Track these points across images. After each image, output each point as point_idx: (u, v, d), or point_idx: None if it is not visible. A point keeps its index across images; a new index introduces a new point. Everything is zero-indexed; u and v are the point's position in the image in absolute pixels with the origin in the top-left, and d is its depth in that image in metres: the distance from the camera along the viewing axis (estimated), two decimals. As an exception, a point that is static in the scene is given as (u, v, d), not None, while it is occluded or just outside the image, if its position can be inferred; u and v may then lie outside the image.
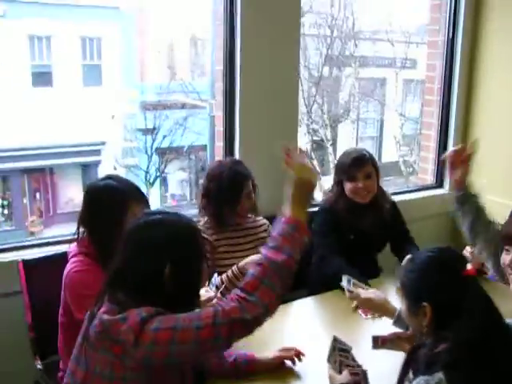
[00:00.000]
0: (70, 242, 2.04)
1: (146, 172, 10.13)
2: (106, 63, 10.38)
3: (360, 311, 2.17)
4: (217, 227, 2.52)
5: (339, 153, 9.96)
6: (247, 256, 2.53)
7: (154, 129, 10.04)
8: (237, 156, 2.99)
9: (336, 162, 2.84)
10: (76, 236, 1.97)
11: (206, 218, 2.56)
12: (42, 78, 9.71)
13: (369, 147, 11.50)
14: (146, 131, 10.07)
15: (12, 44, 9.12)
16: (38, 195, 10.17)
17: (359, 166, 2.66)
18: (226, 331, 1.35)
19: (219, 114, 3.06)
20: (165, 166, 10.51)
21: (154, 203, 9.07)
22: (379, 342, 1.78)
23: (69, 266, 1.92)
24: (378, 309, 1.96)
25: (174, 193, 11.23)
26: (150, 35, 10.70)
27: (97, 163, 10.36)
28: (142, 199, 1.97)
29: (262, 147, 3.02)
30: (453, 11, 3.61)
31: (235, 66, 2.91)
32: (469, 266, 1.40)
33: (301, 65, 9.67)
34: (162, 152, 10.33)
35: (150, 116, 10.00)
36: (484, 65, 3.63)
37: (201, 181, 3.27)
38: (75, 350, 1.49)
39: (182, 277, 1.45)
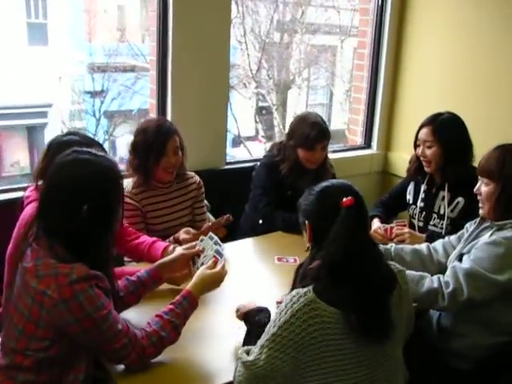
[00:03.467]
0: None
1: (94, 135, 10.00)
2: (52, 22, 10.11)
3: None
4: (144, 185, 2.57)
5: (288, 119, 10.13)
6: (179, 218, 2.66)
7: (103, 91, 9.91)
8: (169, 113, 3.09)
9: (292, 126, 2.88)
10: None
11: (134, 179, 2.59)
12: (-15, 36, 9.41)
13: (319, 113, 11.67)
14: (94, 94, 9.94)
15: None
16: (-18, 157, 9.97)
17: (321, 139, 2.78)
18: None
19: (153, 72, 3.15)
20: (113, 130, 10.41)
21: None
22: None
23: (30, 209, 2.03)
24: None
25: (122, 156, 11.16)
26: (98, -5, 10.45)
27: (43, 126, 10.18)
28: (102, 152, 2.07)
29: (193, 105, 3.13)
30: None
31: (168, 25, 2.99)
32: (346, 198, 1.54)
33: (250, 30, 9.63)
34: (110, 115, 10.23)
35: (98, 78, 9.86)
36: (411, 30, 3.80)
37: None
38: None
39: (99, 217, 1.56)
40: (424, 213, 2.71)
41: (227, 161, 3.42)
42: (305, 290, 1.48)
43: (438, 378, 2.04)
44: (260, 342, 1.51)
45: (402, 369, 1.63)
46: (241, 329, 1.85)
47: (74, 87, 10.13)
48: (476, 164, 2.22)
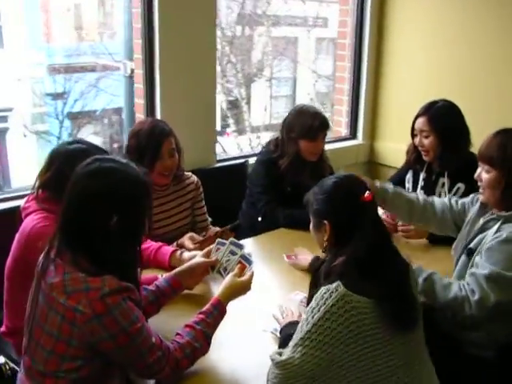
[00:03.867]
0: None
1: (58, 138, 9.75)
2: (7, 24, 9.78)
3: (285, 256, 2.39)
4: None
5: (253, 112, 10.10)
6: (178, 221, 2.60)
7: (64, 93, 9.67)
8: (158, 112, 3.02)
9: (290, 120, 2.85)
10: (33, 193, 2.01)
11: None
12: None
13: (282, 106, 11.69)
14: (55, 96, 9.67)
15: None
16: None
17: (323, 129, 2.79)
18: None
19: (139, 71, 3.07)
20: (77, 131, 10.17)
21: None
22: None
23: (30, 222, 1.93)
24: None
25: (90, 159, 10.93)
26: (54, -6, 10.16)
27: (4, 131, 9.85)
28: None
29: (183, 103, 3.07)
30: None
31: (154, 23, 2.91)
32: (367, 193, 1.57)
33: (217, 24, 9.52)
34: (74, 117, 9.97)
35: (59, 79, 9.60)
36: (393, 19, 3.82)
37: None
38: (30, 297, 1.53)
39: (129, 227, 1.50)
40: None
41: (217, 158, 3.38)
42: (334, 285, 1.48)
43: (460, 366, 2.03)
44: (293, 341, 1.49)
45: (427, 352, 1.64)
46: (266, 332, 1.85)
47: (34, 90, 9.83)
48: (475, 150, 2.26)
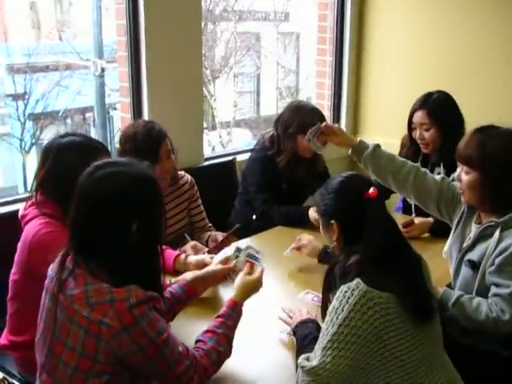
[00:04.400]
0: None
1: (21, 140, 9.49)
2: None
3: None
4: None
5: (219, 108, 10.02)
6: (176, 223, 2.56)
7: (25, 93, 9.40)
8: (145, 112, 2.95)
9: (286, 116, 2.82)
10: (31, 197, 1.91)
11: None
12: None
13: (247, 101, 11.67)
14: (16, 96, 9.40)
15: None
16: None
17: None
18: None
19: (123, 69, 2.99)
20: (40, 133, 9.91)
21: (32, 173, 8.55)
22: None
23: (31, 230, 1.83)
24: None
25: (52, 160, 10.67)
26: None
27: (-37, 134, 9.54)
28: (108, 153, 1.92)
29: (170, 101, 3.01)
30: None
31: (139, 20, 2.84)
32: (372, 189, 1.55)
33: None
34: (35, 118, 9.71)
35: (19, 80, 9.33)
36: (373, 12, 3.85)
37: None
38: (42, 308, 1.46)
39: (149, 232, 1.45)
40: None
41: (205, 157, 3.33)
42: (354, 282, 1.46)
43: (476, 362, 1.92)
44: (319, 345, 1.47)
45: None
46: (282, 333, 1.84)
47: (-8, 90, 9.54)
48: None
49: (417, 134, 2.65)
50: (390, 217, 1.64)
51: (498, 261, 1.82)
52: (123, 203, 1.40)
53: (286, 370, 1.67)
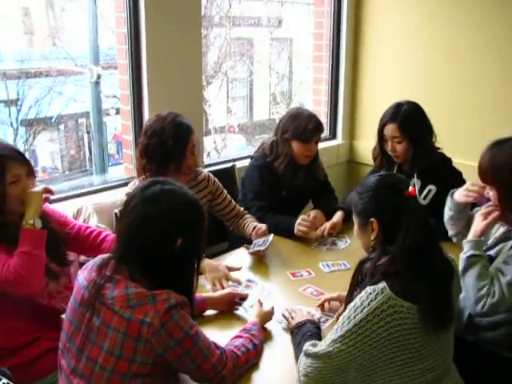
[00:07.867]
0: None
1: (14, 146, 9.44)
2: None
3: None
4: None
5: (213, 114, 10.02)
6: None
7: (18, 99, 9.35)
8: (146, 118, 2.95)
9: (284, 122, 2.84)
10: None
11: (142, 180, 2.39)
12: None
13: (240, 106, 11.68)
14: (8, 102, 9.35)
15: None
16: None
17: (317, 132, 2.79)
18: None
19: (123, 77, 3.00)
20: (33, 139, 9.87)
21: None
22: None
23: None
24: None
25: (45, 166, 10.63)
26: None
27: (-45, 140, 9.47)
28: (23, 161, 1.92)
29: (170, 106, 3.01)
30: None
31: (140, 29, 2.85)
32: (411, 188, 1.59)
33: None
34: (28, 124, 9.67)
35: (11, 86, 9.28)
36: (369, 19, 3.88)
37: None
38: (72, 315, 1.51)
39: (191, 248, 1.54)
40: None
41: (205, 163, 3.34)
42: (380, 286, 1.48)
43: (477, 362, 2.00)
44: (331, 336, 1.51)
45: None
46: (281, 324, 1.98)
47: (-16, 97, 9.48)
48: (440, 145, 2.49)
49: (388, 146, 2.69)
50: (426, 219, 1.63)
51: (510, 252, 1.89)
52: (174, 218, 1.51)
53: (288, 361, 1.74)
